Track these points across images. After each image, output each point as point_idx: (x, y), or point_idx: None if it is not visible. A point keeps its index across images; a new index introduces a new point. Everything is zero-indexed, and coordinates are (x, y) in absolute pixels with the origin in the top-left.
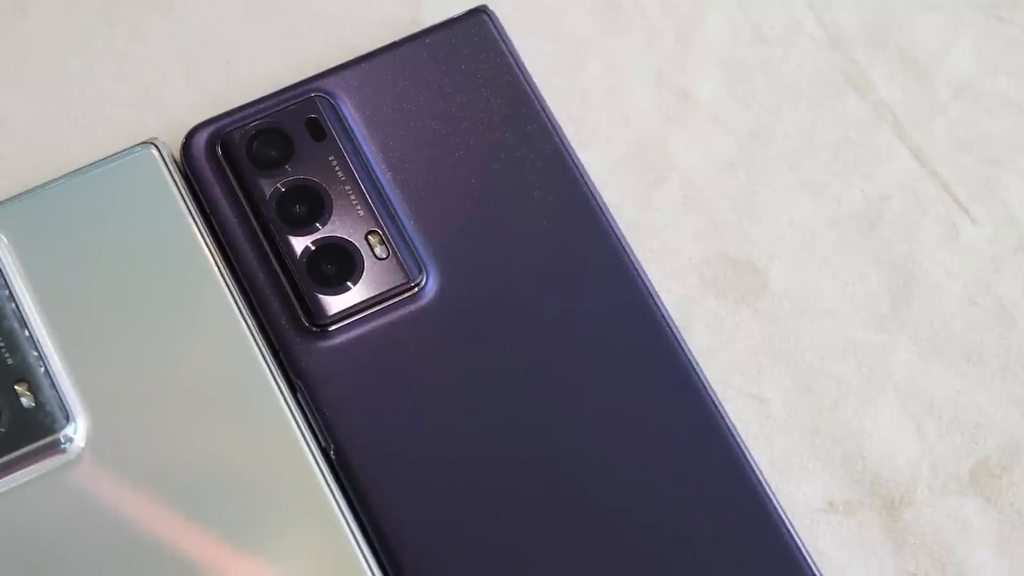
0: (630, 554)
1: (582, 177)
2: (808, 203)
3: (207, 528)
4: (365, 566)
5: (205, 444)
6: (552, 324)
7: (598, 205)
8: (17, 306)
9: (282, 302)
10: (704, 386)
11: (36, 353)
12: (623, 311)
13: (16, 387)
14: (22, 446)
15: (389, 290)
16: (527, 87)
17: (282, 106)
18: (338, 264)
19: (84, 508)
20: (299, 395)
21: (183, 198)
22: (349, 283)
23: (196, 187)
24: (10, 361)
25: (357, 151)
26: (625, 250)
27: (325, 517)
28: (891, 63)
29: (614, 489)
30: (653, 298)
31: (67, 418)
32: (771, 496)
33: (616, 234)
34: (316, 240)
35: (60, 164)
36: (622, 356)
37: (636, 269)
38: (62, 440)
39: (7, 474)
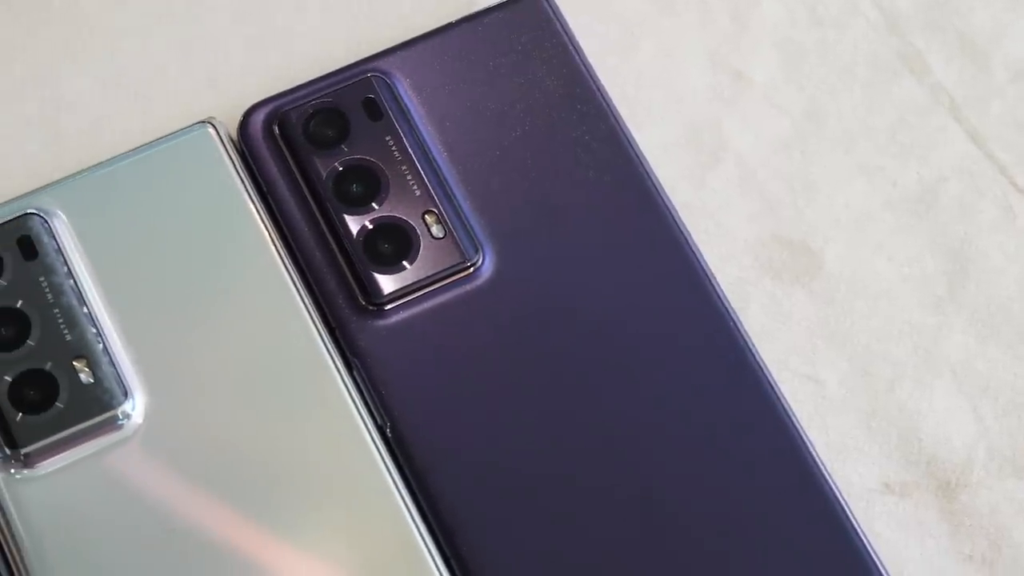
0: (685, 534)
1: (637, 157)
2: (864, 185)
3: (262, 506)
4: (420, 542)
5: (261, 422)
6: (607, 305)
7: (653, 186)
8: (76, 283)
9: (338, 281)
10: (760, 367)
11: (94, 330)
12: (679, 292)
13: (75, 363)
14: (80, 422)
15: (445, 269)
16: (582, 67)
17: (339, 86)
18: (394, 243)
19: (140, 484)
20: (355, 373)
21: (240, 177)
22: (405, 262)
23: (253, 166)
24: (69, 337)
25: (413, 131)
26: (681, 231)
27: (381, 494)
28: (948, 45)
29: (669, 470)
30: (709, 279)
31: (125, 394)
32: (827, 477)
33: (672, 215)
34: (372, 219)
35: (118, 143)
36: (678, 337)
37: (692, 250)
38: (120, 416)
39: (65, 449)
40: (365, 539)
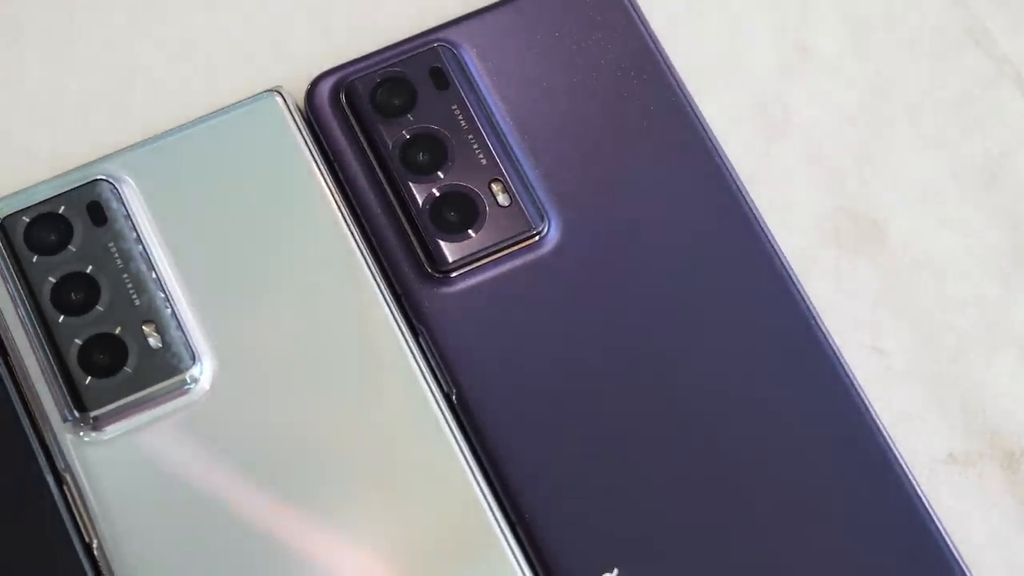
0: (750, 502)
1: (703, 129)
2: (929, 157)
3: (328, 471)
4: (486, 507)
5: (328, 388)
6: (672, 274)
7: (719, 157)
8: (144, 249)
9: (405, 248)
10: (824, 338)
11: (163, 295)
12: (744, 262)
13: (144, 327)
14: (148, 386)
15: (511, 237)
16: (648, 39)
17: (406, 56)
18: (460, 211)
19: (206, 448)
20: (421, 340)
21: (307, 145)
22: (471, 230)
23: (319, 134)
24: (138, 302)
25: (480, 101)
26: (746, 202)
27: (447, 461)
28: (1014, 17)
29: (733, 438)
30: (774, 250)
31: (192, 359)
32: (891, 447)
33: (737, 186)
34: (439, 187)
35: (186, 111)
36: (743, 307)
37: (756, 221)
38: (188, 380)
39: (133, 413)
40: (431, 505)
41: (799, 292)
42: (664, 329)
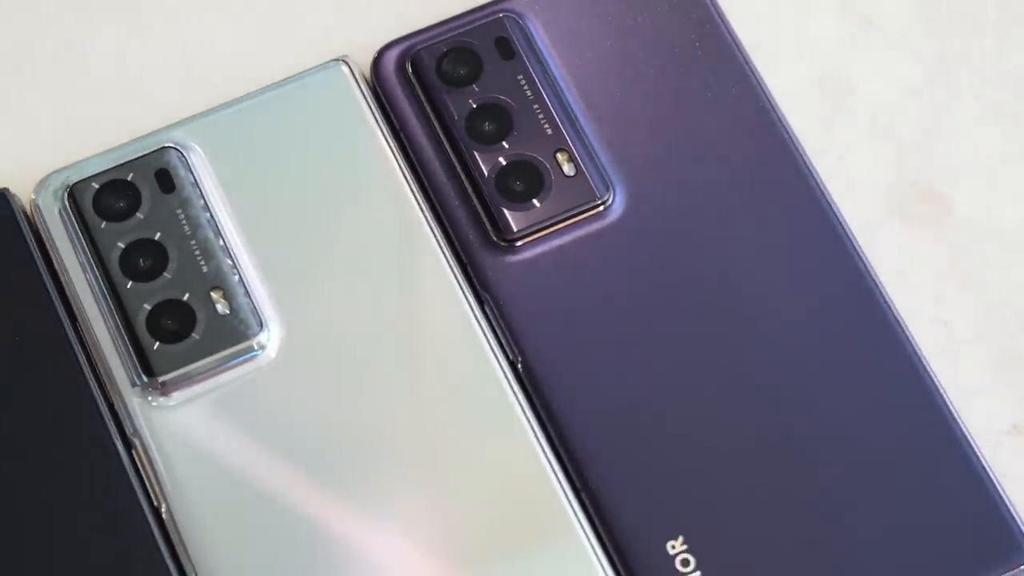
0: (814, 472)
1: (768, 100)
2: (994, 130)
3: (392, 437)
4: (551, 475)
5: (394, 355)
6: (736, 246)
7: (784, 129)
8: (212, 216)
9: (470, 217)
10: (889, 310)
11: (230, 262)
12: (809, 234)
13: (211, 294)
14: (216, 351)
15: (576, 207)
16: (713, 10)
17: (471, 26)
18: (526, 180)
19: (273, 413)
20: (486, 308)
21: (372, 114)
22: (536, 199)
23: (385, 104)
24: (205, 269)
25: (545, 71)
26: (811, 174)
27: (513, 428)
28: None
29: (798, 409)
30: (839, 222)
31: (260, 325)
32: (956, 418)
33: (801, 158)
34: (504, 157)
35: (253, 80)
36: (807, 278)
37: (822, 193)
38: (255, 347)
39: (201, 379)
40: (496, 472)
41: (864, 264)
42: (728, 300)
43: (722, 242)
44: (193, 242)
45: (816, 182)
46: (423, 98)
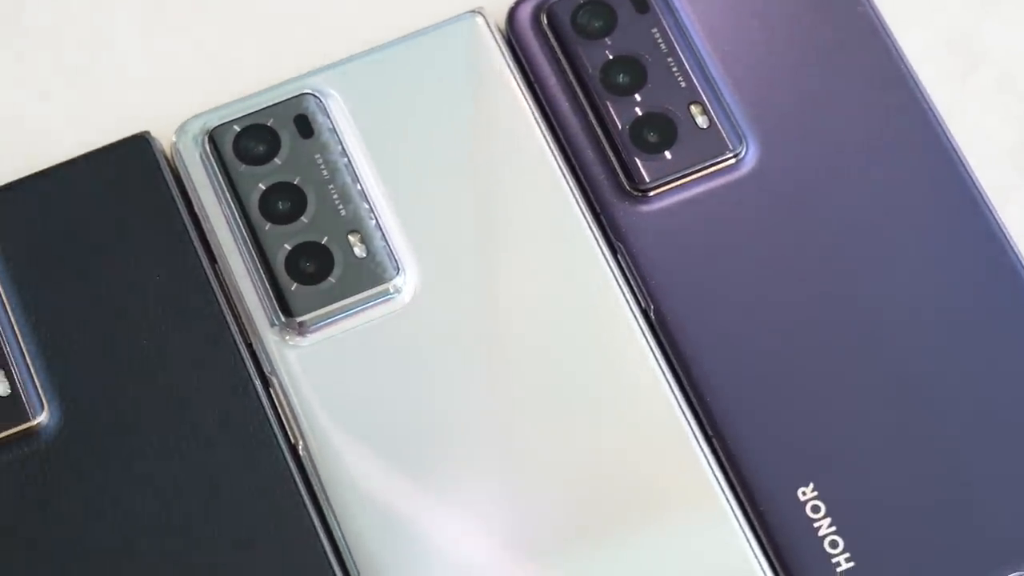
0: (942, 423)
1: (900, 58)
2: None
3: (525, 384)
4: (682, 421)
5: (526, 301)
6: (867, 201)
7: (916, 87)
8: (349, 161)
9: (604, 168)
10: (1022, 270)
11: (367, 206)
12: (940, 192)
13: (349, 237)
14: (352, 294)
15: (708, 159)
16: None
17: None
18: (659, 132)
19: (407, 356)
20: (619, 257)
21: (507, 64)
22: (669, 151)
23: (520, 55)
24: (343, 213)
25: (678, 24)
26: (943, 132)
27: (645, 375)
28: None
29: (927, 363)
30: (971, 181)
31: (397, 269)
32: None
33: (934, 116)
34: (639, 108)
35: (390, 30)
36: (940, 237)
37: (954, 152)
38: (391, 290)
39: (337, 320)
40: (628, 418)
41: (996, 223)
42: (858, 254)
43: (852, 198)
44: (331, 186)
45: (948, 141)
46: (558, 50)
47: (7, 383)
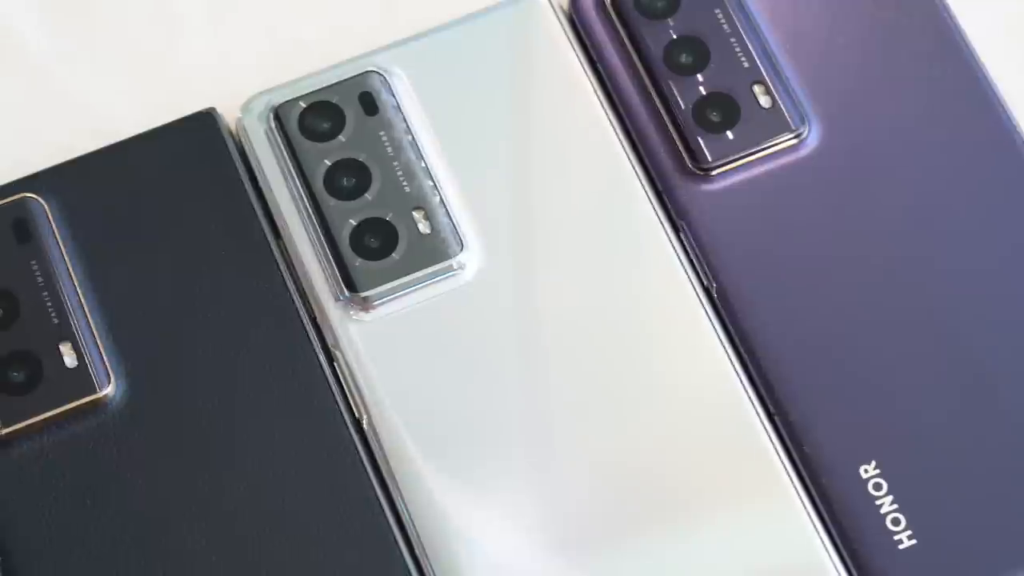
0: (1005, 403)
1: (962, 39)
2: None
3: (585, 359)
4: (745, 398)
5: (590, 281)
6: (929, 182)
7: (978, 68)
8: (413, 138)
9: (666, 147)
10: None
11: (431, 183)
12: (1002, 175)
13: (413, 214)
14: (416, 269)
15: (771, 138)
16: None
17: None
18: (722, 111)
19: (470, 331)
20: (682, 235)
21: (571, 43)
22: (732, 130)
23: (583, 35)
24: (408, 189)
25: (742, 5)
26: (1005, 113)
27: (708, 352)
28: None
29: (993, 341)
30: None
31: (460, 246)
32: None
33: (997, 98)
34: (702, 88)
35: (454, 10)
36: (1001, 214)
37: (1016, 134)
38: (455, 266)
39: (401, 295)
40: (690, 394)
41: None
42: (920, 234)
43: (914, 178)
44: (396, 163)
45: (1010, 121)
46: (621, 31)
47: (75, 355)
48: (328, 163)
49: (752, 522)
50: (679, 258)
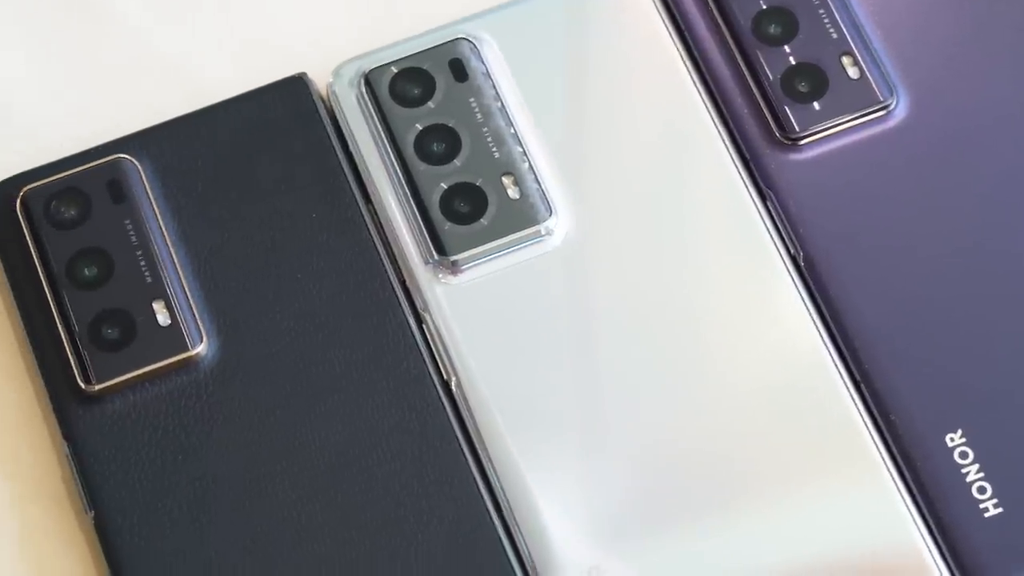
0: None
1: None
2: None
3: (673, 327)
4: (831, 364)
5: (677, 249)
6: (1020, 151)
7: None
8: (503, 105)
9: (754, 116)
10: None
11: (520, 149)
12: None
13: (503, 179)
14: (505, 234)
15: (859, 109)
16: None
17: None
18: (811, 82)
19: (557, 296)
20: (768, 204)
21: (659, 13)
22: (821, 101)
23: (671, 5)
24: (497, 155)
25: None
26: None
27: (794, 320)
28: None
29: None
30: None
31: (549, 211)
32: None
33: None
34: (790, 59)
35: None
36: None
37: None
38: (543, 231)
39: (490, 259)
40: (777, 362)
41: None
42: (1009, 204)
43: (1004, 149)
44: (485, 129)
45: None
46: (711, 2)
47: (168, 313)
48: (419, 128)
49: (838, 491)
50: (766, 226)
